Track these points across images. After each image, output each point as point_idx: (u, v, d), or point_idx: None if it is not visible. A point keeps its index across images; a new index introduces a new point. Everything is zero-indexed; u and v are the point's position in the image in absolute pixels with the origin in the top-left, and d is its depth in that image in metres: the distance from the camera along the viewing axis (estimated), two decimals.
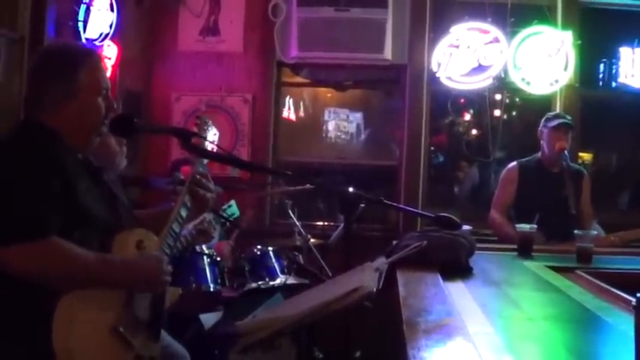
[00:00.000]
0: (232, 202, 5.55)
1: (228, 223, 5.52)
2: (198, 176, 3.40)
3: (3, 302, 2.75)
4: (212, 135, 3.58)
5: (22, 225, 2.67)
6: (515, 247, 4.77)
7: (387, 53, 7.37)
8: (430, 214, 3.35)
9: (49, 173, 2.79)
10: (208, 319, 5.03)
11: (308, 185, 5.74)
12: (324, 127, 8.27)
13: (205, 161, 3.55)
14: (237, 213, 5.58)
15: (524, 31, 7.22)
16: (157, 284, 3.06)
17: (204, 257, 5.08)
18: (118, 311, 2.85)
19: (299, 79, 8.11)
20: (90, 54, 3.21)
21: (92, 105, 3.06)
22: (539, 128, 6.12)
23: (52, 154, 2.87)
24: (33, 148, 2.85)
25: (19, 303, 2.74)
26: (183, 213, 3.32)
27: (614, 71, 7.72)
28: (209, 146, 3.52)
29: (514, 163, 6.25)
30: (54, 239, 2.70)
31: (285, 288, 5.28)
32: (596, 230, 5.36)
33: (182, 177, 4.94)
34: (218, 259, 5.18)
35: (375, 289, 2.69)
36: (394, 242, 4.06)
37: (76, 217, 2.84)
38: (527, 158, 6.23)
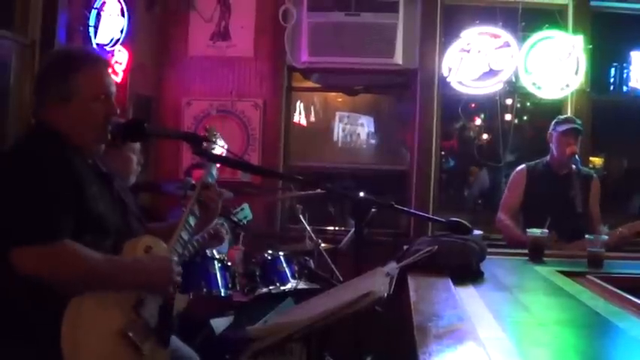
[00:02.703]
0: (245, 206, 5.54)
1: (240, 227, 5.51)
2: (204, 187, 3.43)
3: (13, 303, 2.77)
4: (220, 146, 3.59)
5: (36, 227, 2.69)
6: (526, 251, 4.76)
7: (398, 58, 7.37)
8: (441, 219, 3.36)
9: (61, 177, 2.81)
10: (219, 323, 5.02)
11: (319, 190, 5.73)
12: (335, 132, 8.27)
13: (215, 170, 3.58)
14: (250, 216, 5.57)
15: (535, 36, 7.22)
16: (167, 284, 3.08)
17: (215, 262, 5.08)
18: (126, 316, 2.86)
19: (309, 84, 8.13)
20: (92, 59, 3.20)
21: (85, 110, 3.05)
22: (549, 131, 6.13)
23: (65, 158, 2.88)
24: (46, 153, 2.87)
25: (29, 304, 2.75)
26: (192, 221, 3.34)
27: (625, 76, 7.71)
28: (220, 151, 3.54)
29: (522, 165, 6.28)
30: (67, 242, 2.72)
31: (296, 293, 5.27)
32: (604, 233, 5.35)
33: (193, 182, 4.95)
34: (229, 264, 5.18)
35: (386, 294, 2.69)
36: (405, 247, 4.06)
37: (86, 221, 2.85)
38: (535, 161, 6.25)
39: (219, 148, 3.61)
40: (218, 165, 3.62)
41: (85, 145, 3.08)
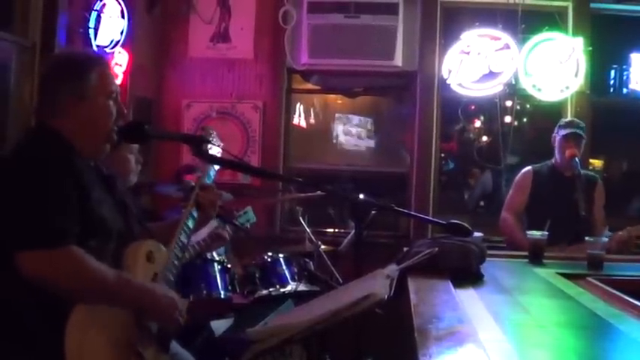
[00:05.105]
0: (248, 209, 5.51)
1: (244, 232, 5.48)
2: (202, 188, 3.45)
3: (17, 308, 2.75)
4: (217, 145, 3.59)
5: (43, 232, 2.66)
6: (526, 254, 4.76)
7: (398, 60, 7.37)
8: (441, 221, 3.36)
9: (67, 182, 2.80)
10: (219, 326, 5.02)
11: (319, 192, 5.72)
12: (335, 134, 8.26)
13: (213, 172, 3.59)
14: (254, 219, 5.56)
15: (535, 38, 7.21)
16: (170, 322, 3.05)
17: (215, 264, 5.08)
18: (130, 322, 2.85)
19: (309, 86, 8.13)
20: (98, 59, 3.22)
21: (103, 107, 3.06)
22: (553, 134, 6.12)
23: (70, 162, 2.88)
24: (51, 156, 2.85)
25: (30, 310, 2.73)
26: (190, 224, 3.34)
27: (625, 78, 7.70)
28: (217, 151, 3.55)
29: (528, 168, 6.27)
30: (74, 248, 2.70)
31: (295, 295, 5.27)
32: (606, 238, 5.35)
33: (193, 183, 4.95)
34: (229, 266, 5.18)
35: (386, 296, 2.69)
36: (405, 249, 4.06)
37: (91, 226, 2.84)
38: (541, 163, 6.24)
39: (216, 147, 3.61)
40: (216, 167, 3.63)
41: (93, 146, 3.07)
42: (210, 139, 3.57)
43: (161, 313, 2.99)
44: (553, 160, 6.15)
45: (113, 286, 2.80)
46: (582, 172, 5.90)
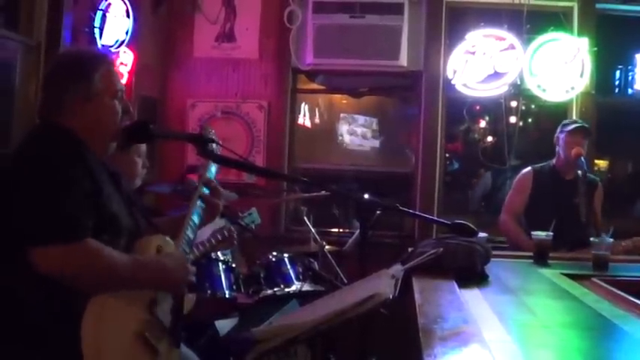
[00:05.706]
0: (253, 210, 5.50)
1: (250, 233, 5.47)
2: (205, 184, 3.46)
3: (32, 304, 2.75)
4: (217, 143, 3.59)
5: (60, 226, 2.66)
6: (530, 254, 4.76)
7: (403, 60, 7.37)
8: (446, 222, 3.35)
9: (82, 177, 2.81)
10: (223, 325, 5.02)
11: (323, 192, 5.73)
12: (339, 134, 8.26)
13: (214, 168, 3.59)
14: (258, 220, 5.55)
15: (540, 38, 7.20)
16: (183, 283, 3.10)
17: (220, 264, 5.09)
18: (143, 316, 2.86)
19: (314, 86, 8.13)
20: (104, 57, 3.24)
21: (109, 107, 3.08)
22: (556, 134, 6.11)
23: (83, 157, 2.89)
24: (64, 152, 2.86)
25: (43, 305, 2.73)
26: (196, 219, 3.35)
27: (630, 78, 7.69)
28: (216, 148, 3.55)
29: (529, 168, 6.26)
30: (90, 241, 2.71)
31: (300, 295, 5.27)
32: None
33: (197, 183, 4.94)
34: (233, 265, 5.19)
35: (390, 296, 2.69)
36: (410, 249, 4.05)
37: (103, 221, 2.85)
38: (541, 164, 6.23)
39: (216, 146, 3.61)
40: (217, 165, 3.63)
41: (101, 143, 3.09)
42: (210, 137, 3.58)
43: (176, 281, 3.05)
44: (554, 161, 6.14)
45: (130, 270, 2.82)
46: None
